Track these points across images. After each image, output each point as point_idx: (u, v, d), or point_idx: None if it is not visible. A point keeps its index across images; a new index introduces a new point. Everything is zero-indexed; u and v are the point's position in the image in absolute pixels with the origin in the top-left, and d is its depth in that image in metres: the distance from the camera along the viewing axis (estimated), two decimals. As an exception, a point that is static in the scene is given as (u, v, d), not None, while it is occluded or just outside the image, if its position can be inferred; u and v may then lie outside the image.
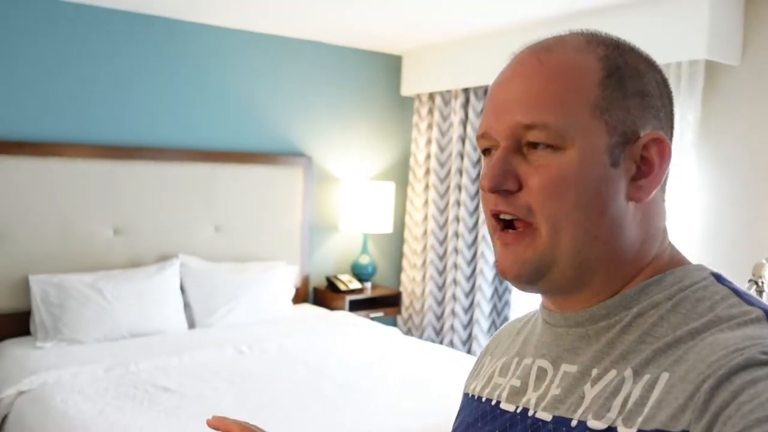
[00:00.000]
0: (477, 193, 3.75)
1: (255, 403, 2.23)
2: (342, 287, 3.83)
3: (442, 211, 3.99)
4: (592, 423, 0.55)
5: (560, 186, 0.59)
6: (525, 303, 3.56)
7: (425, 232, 4.09)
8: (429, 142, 4.07)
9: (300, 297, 3.83)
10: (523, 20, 3.21)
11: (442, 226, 3.99)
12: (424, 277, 4.09)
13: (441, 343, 3.90)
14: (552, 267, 0.61)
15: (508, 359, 0.71)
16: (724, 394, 0.48)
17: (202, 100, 3.49)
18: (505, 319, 3.67)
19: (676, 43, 2.65)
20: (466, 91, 3.79)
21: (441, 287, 4.00)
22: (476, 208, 3.77)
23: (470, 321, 3.80)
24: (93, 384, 2.37)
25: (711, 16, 2.56)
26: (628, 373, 0.56)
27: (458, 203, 3.85)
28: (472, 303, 3.80)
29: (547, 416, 0.60)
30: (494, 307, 3.73)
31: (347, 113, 4.04)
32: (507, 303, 3.68)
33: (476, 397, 0.71)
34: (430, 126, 4.07)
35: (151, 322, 3.01)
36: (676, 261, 0.64)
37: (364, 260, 4.02)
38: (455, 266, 3.86)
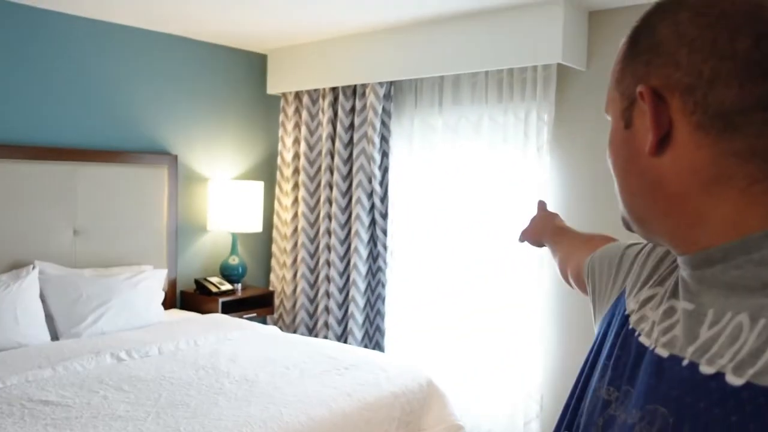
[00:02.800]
0: (349, 189, 3.83)
1: (157, 406, 2.12)
2: (213, 289, 3.73)
3: (313, 208, 4.02)
4: (704, 368, 0.55)
5: (609, 151, 0.68)
6: (398, 294, 3.70)
7: (295, 230, 4.09)
8: (297, 141, 4.09)
9: (168, 302, 3.67)
10: (386, 21, 3.35)
11: (313, 224, 4.02)
12: (295, 275, 4.09)
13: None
14: (629, 220, 0.68)
15: (651, 291, 0.71)
16: None
17: (59, 94, 3.22)
18: (378, 312, 3.77)
19: (537, 47, 2.93)
20: (334, 89, 3.86)
21: (313, 284, 4.03)
22: (348, 204, 3.84)
23: (345, 315, 3.87)
24: (-44, 405, 2.11)
25: (565, 24, 2.86)
26: (745, 319, 0.54)
27: (329, 201, 3.90)
28: (346, 298, 3.86)
29: (664, 353, 0.61)
30: (368, 300, 3.82)
31: (213, 111, 3.94)
32: (380, 296, 3.78)
33: (630, 327, 0.71)
34: (297, 125, 4.09)
35: (9, 336, 2.74)
36: None
37: (234, 261, 3.94)
38: (328, 263, 3.91)
